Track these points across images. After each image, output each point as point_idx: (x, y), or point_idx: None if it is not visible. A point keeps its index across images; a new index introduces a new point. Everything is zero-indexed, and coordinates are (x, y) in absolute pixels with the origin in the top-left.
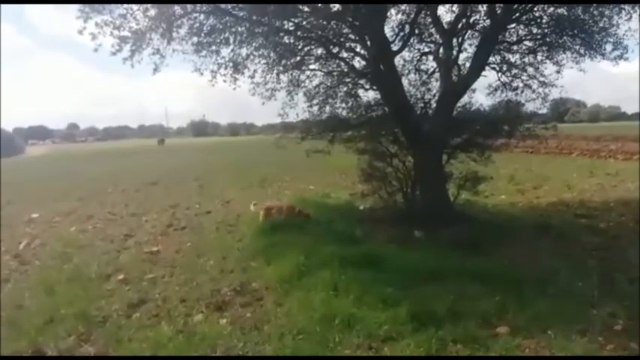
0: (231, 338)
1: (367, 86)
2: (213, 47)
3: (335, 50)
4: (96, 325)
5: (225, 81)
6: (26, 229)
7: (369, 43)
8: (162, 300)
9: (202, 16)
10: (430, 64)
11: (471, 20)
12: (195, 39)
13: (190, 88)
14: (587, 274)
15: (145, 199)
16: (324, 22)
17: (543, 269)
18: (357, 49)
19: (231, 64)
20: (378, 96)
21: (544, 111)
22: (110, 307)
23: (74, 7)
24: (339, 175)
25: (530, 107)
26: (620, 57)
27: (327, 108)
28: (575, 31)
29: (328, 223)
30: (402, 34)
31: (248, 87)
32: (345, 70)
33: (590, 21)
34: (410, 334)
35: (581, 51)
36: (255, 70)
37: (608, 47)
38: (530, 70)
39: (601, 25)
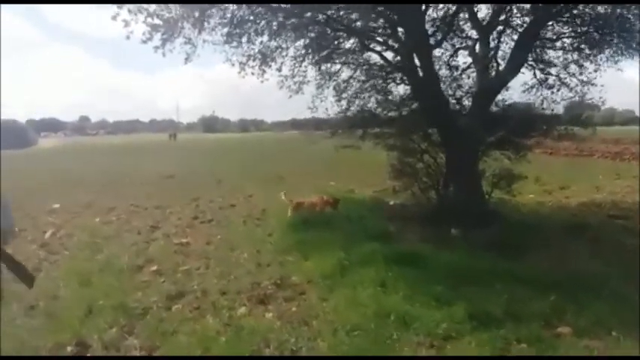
0: (282, 332)
1: (399, 81)
2: (244, 39)
3: (368, 43)
4: (136, 317)
5: (253, 73)
6: (49, 219)
7: (402, 36)
8: (202, 292)
9: (234, 6)
10: (461, 60)
11: (509, 17)
12: (225, 29)
13: (201, 83)
14: (636, 277)
15: (165, 191)
16: (360, 16)
17: (590, 271)
18: (390, 43)
19: (259, 56)
20: (409, 91)
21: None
22: (148, 299)
23: None
24: (359, 172)
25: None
26: None
27: (357, 102)
28: (615, 29)
29: (359, 219)
30: (438, 28)
31: (275, 80)
32: (379, 63)
33: (631, 18)
34: (470, 333)
35: (620, 50)
36: (282, 63)
37: None
38: (571, 67)
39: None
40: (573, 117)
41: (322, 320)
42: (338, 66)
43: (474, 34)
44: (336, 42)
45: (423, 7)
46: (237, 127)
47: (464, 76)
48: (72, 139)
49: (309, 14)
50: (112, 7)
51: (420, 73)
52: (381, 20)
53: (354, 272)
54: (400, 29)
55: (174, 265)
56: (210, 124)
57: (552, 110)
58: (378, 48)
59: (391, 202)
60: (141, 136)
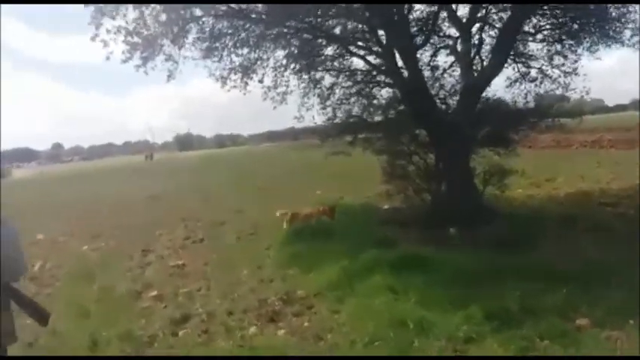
0: (298, 349)
1: (383, 84)
2: (224, 52)
3: (350, 48)
4: (144, 345)
5: (235, 87)
6: (34, 251)
7: (385, 39)
8: (207, 315)
9: (212, 20)
10: (441, 59)
11: (488, 13)
12: (204, 44)
13: (172, 101)
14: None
15: (150, 213)
16: (340, 21)
17: (594, 262)
18: (372, 47)
19: (240, 69)
20: (394, 94)
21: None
22: (153, 326)
23: (46, 26)
24: (344, 180)
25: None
26: None
27: (343, 109)
28: (592, 20)
29: (355, 227)
30: (421, 30)
31: (250, 92)
32: (362, 68)
33: (607, 9)
34: (490, 333)
35: (596, 39)
36: (264, 74)
37: (627, 34)
38: (553, 59)
39: (618, 12)
40: (559, 108)
41: (338, 333)
42: (321, 74)
43: (452, 32)
44: (316, 49)
45: (406, 8)
46: (214, 143)
47: (445, 75)
48: (47, 167)
49: (289, 23)
50: (73, 34)
51: (405, 75)
52: (362, 25)
53: (361, 281)
54: (381, 32)
55: (174, 288)
56: (186, 141)
57: (533, 103)
58: (361, 52)
59: (384, 207)
60: (116, 160)
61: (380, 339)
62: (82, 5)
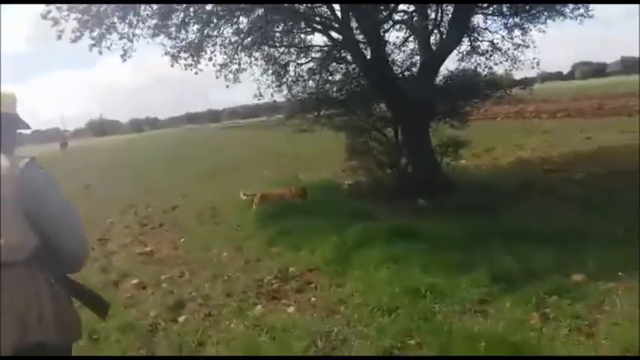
0: (321, 324)
1: (341, 60)
2: (172, 29)
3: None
4: (149, 334)
5: (187, 66)
6: None
7: (343, 14)
8: (203, 298)
9: None
10: (395, 34)
11: None
12: (152, 22)
13: (84, 87)
14: (609, 221)
15: (89, 202)
16: None
17: (565, 222)
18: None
19: (190, 47)
20: (352, 69)
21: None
22: (147, 315)
23: None
24: (285, 159)
25: (500, 70)
26: (583, 16)
27: (300, 86)
28: None
29: (326, 203)
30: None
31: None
32: (322, 44)
33: None
34: (501, 294)
35: (535, 12)
36: (213, 53)
37: (569, 7)
38: (505, 32)
39: None
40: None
41: (352, 306)
42: (274, 50)
43: (406, 7)
44: (269, 25)
45: None
46: (130, 128)
47: (402, 50)
48: None
49: None
50: None
51: (364, 49)
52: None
53: (357, 254)
54: (337, 7)
55: (153, 275)
56: (100, 128)
57: (486, 76)
58: (320, 27)
59: (347, 182)
60: (27, 149)
61: (399, 307)
62: None
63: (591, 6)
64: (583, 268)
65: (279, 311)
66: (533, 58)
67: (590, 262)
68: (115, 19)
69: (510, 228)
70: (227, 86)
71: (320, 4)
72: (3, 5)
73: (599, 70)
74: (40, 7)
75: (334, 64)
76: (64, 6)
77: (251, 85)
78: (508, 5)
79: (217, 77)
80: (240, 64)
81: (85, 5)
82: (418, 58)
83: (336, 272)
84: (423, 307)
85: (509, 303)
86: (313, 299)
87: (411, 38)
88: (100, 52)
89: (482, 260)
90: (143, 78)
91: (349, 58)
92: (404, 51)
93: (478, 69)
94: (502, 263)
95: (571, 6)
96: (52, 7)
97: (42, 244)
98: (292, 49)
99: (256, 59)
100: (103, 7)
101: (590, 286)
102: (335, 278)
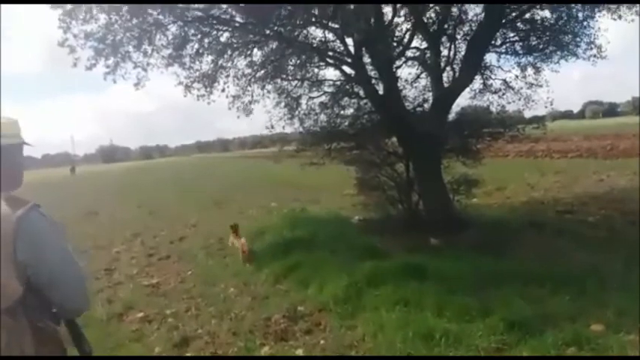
0: None
1: (353, 95)
2: (187, 59)
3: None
4: None
5: (199, 96)
6: None
7: (353, 49)
8: (209, 335)
9: (175, 27)
10: (407, 70)
11: (457, 24)
12: (167, 52)
13: (94, 112)
14: (626, 266)
15: (96, 230)
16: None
17: (581, 265)
18: (343, 57)
19: (203, 78)
20: (363, 103)
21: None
22: (151, 351)
23: None
24: (294, 190)
25: (511, 109)
26: (596, 56)
27: (311, 118)
28: (547, 33)
29: (335, 238)
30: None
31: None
32: (335, 77)
33: (560, 22)
34: (519, 342)
35: (548, 52)
36: (225, 84)
37: (581, 48)
38: (520, 70)
39: (570, 26)
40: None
41: (363, 350)
42: (287, 83)
43: (418, 43)
44: (284, 58)
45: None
46: (139, 155)
47: (414, 86)
48: None
49: (258, 30)
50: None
51: (376, 84)
52: (332, 34)
53: (368, 294)
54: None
55: (159, 308)
56: (110, 154)
57: (498, 114)
58: (331, 62)
59: (357, 218)
60: (36, 173)
61: (411, 353)
62: None
63: (604, 46)
64: (602, 317)
65: (288, 353)
66: (547, 98)
67: (608, 309)
68: (130, 48)
69: (525, 270)
70: (238, 117)
71: (334, 40)
72: (16, 26)
73: (610, 109)
74: (54, 30)
75: (346, 98)
76: (81, 34)
77: (262, 116)
78: (521, 44)
79: (230, 108)
80: (252, 96)
81: (101, 34)
82: (430, 94)
83: (345, 313)
84: (438, 354)
85: (526, 352)
86: (322, 342)
87: (423, 75)
88: (115, 81)
89: (496, 304)
90: (154, 104)
91: (361, 92)
92: (416, 87)
93: (490, 107)
94: (518, 308)
95: (584, 46)
96: (69, 34)
97: (32, 293)
98: (305, 83)
99: (269, 92)
100: (119, 35)
101: (610, 337)
102: (345, 319)
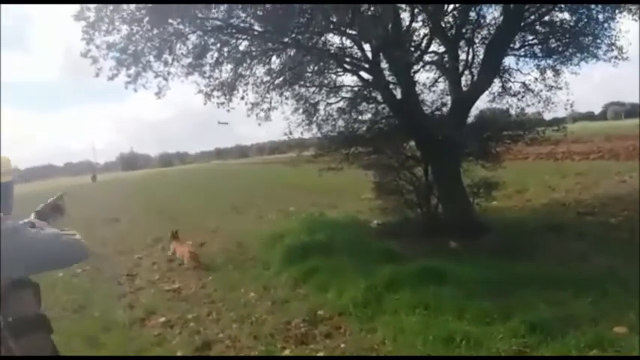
0: None
1: (371, 100)
2: (207, 68)
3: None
4: None
5: (218, 104)
6: None
7: (370, 55)
8: (230, 339)
9: (194, 37)
10: (424, 75)
11: (475, 28)
12: (187, 61)
13: (113, 121)
14: None
15: (118, 236)
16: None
17: (602, 267)
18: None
19: (223, 87)
20: (381, 108)
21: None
22: (175, 354)
23: None
24: (312, 195)
25: (531, 111)
26: (617, 58)
27: (329, 124)
28: (567, 35)
29: (353, 242)
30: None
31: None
32: (352, 83)
33: (580, 24)
34: (540, 345)
35: (568, 54)
36: (245, 91)
37: (602, 49)
38: (538, 73)
39: (590, 28)
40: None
41: (384, 353)
42: (305, 90)
43: (435, 48)
44: (302, 65)
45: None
46: (159, 162)
47: (432, 90)
48: None
49: (277, 38)
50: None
51: (394, 89)
52: (350, 40)
53: (387, 298)
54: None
55: (181, 313)
56: (130, 161)
57: (518, 116)
58: (349, 68)
59: (375, 222)
60: (58, 181)
61: (432, 356)
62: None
63: (625, 47)
64: (625, 319)
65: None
66: (567, 100)
67: (633, 312)
68: (151, 58)
69: (545, 273)
70: (259, 124)
71: (351, 46)
72: (37, 33)
73: (632, 110)
74: (76, 41)
75: (364, 103)
76: (104, 45)
77: (280, 122)
78: (540, 47)
79: (249, 115)
80: (271, 103)
81: (123, 44)
82: (449, 98)
83: (365, 316)
84: (461, 357)
85: (547, 355)
86: (343, 345)
87: (441, 79)
88: (136, 90)
89: (517, 307)
90: (172, 112)
91: (379, 97)
92: (434, 91)
93: (510, 110)
94: (539, 311)
95: (604, 48)
96: (92, 45)
97: None
98: (323, 89)
99: (287, 98)
100: (140, 46)
101: (633, 339)
102: (365, 323)
